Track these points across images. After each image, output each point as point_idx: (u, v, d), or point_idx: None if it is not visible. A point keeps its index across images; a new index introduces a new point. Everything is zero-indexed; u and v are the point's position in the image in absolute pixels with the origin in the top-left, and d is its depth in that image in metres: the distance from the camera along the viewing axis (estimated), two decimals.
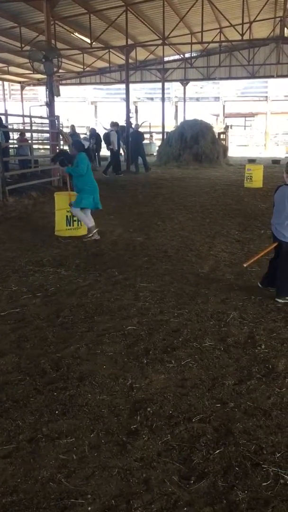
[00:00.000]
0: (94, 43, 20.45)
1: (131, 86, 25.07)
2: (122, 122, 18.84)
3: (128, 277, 5.65)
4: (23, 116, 21.82)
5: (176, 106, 35.75)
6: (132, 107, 31.66)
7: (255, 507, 2.26)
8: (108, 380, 3.35)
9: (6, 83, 34.28)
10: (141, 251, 6.89)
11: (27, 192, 11.45)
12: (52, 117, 14.52)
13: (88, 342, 3.93)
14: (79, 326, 4.27)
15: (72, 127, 20.66)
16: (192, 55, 29.22)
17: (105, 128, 19.25)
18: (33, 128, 17.31)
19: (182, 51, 28.31)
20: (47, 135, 18.04)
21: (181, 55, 29.00)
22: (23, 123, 20.32)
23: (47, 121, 15.56)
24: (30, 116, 16.39)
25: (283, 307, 4.75)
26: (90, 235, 7.46)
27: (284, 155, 26.61)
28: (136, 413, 2.97)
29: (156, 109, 30.07)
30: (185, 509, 2.25)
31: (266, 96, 34.93)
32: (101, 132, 20.00)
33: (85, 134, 23.95)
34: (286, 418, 2.94)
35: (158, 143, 25.00)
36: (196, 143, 20.44)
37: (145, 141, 20.44)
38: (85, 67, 26.18)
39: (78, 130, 21.66)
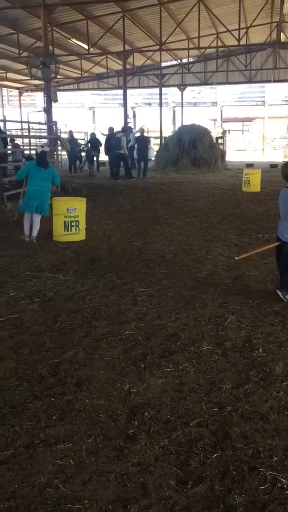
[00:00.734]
0: (91, 49, 20.56)
1: (129, 91, 25.17)
2: (117, 128, 18.84)
3: (126, 282, 5.66)
4: (21, 122, 21.91)
5: (174, 111, 35.89)
6: (130, 113, 31.83)
7: (253, 511, 2.26)
8: (106, 385, 3.35)
9: (4, 89, 34.49)
10: (139, 256, 6.90)
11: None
12: (50, 123, 14.57)
13: (85, 347, 3.93)
14: (77, 331, 4.27)
15: (70, 132, 20.74)
16: (189, 61, 29.38)
17: (103, 134, 19.31)
18: (31, 134, 17.36)
19: (179, 56, 28.48)
20: (45, 141, 18.10)
21: (179, 61, 29.18)
22: (21, 129, 20.40)
23: (45, 127, 15.62)
24: (28, 122, 16.46)
25: (280, 310, 4.76)
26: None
27: (282, 160, 26.68)
28: (134, 417, 2.97)
29: (154, 114, 30.24)
30: None
31: (264, 101, 35.10)
32: (100, 138, 20.05)
33: (83, 139, 24.04)
34: (283, 421, 2.94)
35: (156, 148, 25.03)
36: (194, 148, 20.49)
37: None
38: (82, 72, 26.33)
39: (76, 136, 21.72)
